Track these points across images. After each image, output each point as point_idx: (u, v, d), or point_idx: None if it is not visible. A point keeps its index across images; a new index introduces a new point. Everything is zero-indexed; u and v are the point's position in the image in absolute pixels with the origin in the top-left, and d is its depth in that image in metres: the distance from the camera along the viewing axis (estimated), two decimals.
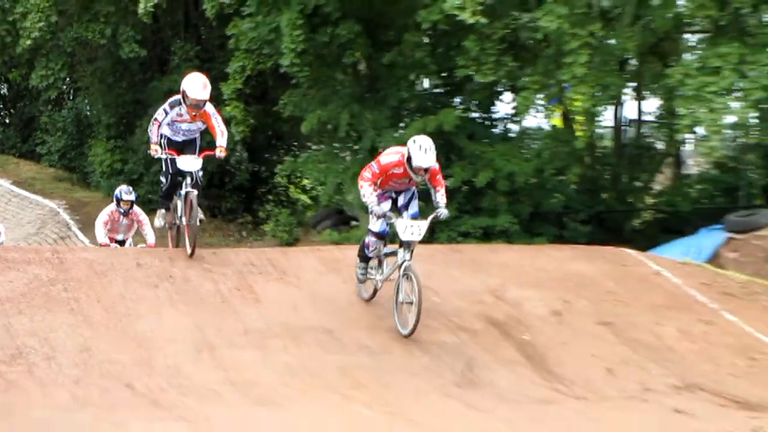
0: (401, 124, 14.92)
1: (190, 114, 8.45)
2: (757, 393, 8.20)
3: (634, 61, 14.76)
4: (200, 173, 8.75)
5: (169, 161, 8.58)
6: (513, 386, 8.00)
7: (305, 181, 16.80)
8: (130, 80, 19.33)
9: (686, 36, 15.26)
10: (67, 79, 20.44)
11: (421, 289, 7.26)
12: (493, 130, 16.15)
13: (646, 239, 14.20)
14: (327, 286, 8.77)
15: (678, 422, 7.34)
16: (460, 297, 9.10)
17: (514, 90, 15.01)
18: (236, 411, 6.60)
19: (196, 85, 8.28)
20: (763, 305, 10.24)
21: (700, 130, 14.00)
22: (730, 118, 13.03)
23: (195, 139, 8.81)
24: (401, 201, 7.77)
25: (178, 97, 8.41)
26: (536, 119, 16.10)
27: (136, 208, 11.43)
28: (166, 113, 8.46)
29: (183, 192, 8.54)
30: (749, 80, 12.00)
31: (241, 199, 19.48)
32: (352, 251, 9.25)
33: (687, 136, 15.45)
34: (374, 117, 14.57)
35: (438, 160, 7.38)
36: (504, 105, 16.26)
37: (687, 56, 14.28)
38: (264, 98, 16.11)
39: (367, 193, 7.47)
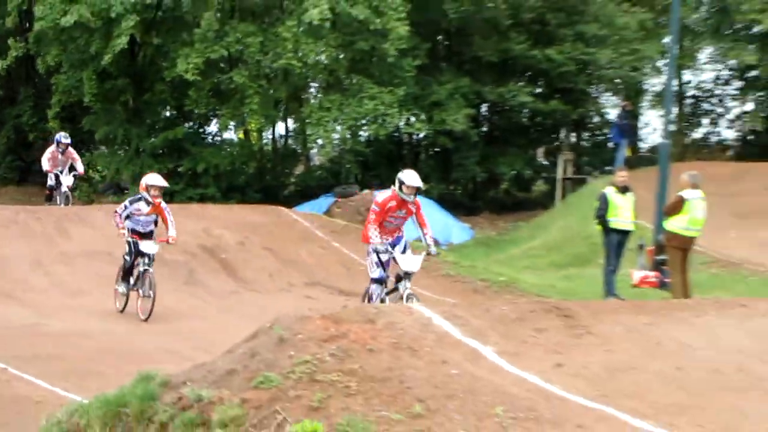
0: (153, 136, 21.74)
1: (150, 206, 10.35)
2: (351, 286, 12.46)
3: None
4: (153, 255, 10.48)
5: (132, 243, 10.19)
6: (217, 284, 12.45)
7: (99, 166, 22.90)
8: None
9: (312, 88, 23.67)
10: None
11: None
12: (207, 139, 23.49)
13: (292, 202, 20.10)
14: (111, 228, 11.41)
15: (307, 302, 11.28)
16: (187, 234, 12.73)
17: (217, 116, 22.57)
18: (54, 301, 10.93)
19: (157, 178, 10.50)
20: (354, 237, 14.20)
21: (320, 142, 22.07)
22: (336, 135, 21.31)
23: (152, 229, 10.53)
24: (398, 250, 8.68)
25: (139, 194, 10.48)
26: (231, 133, 23.73)
27: (70, 149, 14.90)
28: (126, 207, 10.30)
29: (142, 269, 10.06)
30: (345, 114, 19.93)
31: None
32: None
33: (313, 144, 23.66)
34: (137, 131, 21.43)
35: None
36: (213, 125, 23.92)
37: (313, 100, 22.55)
38: (73, 120, 22.12)
39: (374, 236, 8.32)
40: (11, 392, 7.52)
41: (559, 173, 22.44)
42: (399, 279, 8.36)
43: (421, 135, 22.34)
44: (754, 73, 22.71)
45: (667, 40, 18.87)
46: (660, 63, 22.01)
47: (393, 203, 8.31)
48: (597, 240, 13.69)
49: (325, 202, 19.87)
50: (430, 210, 20.83)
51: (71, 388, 7.29)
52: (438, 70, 21.79)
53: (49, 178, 15.02)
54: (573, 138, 23.99)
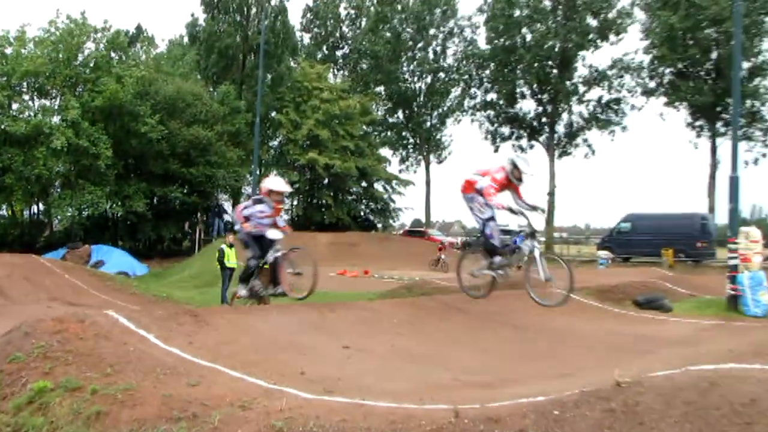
0: None
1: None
2: (77, 300, 17.18)
3: None
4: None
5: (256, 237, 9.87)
6: None
7: None
8: None
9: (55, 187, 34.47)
10: None
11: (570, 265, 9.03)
12: None
13: (42, 252, 26.41)
14: None
15: (48, 310, 13.06)
16: None
17: None
18: None
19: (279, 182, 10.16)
20: (77, 274, 20.60)
21: (59, 217, 34.19)
22: (69, 213, 33.71)
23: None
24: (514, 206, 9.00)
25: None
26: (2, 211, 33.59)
27: None
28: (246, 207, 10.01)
29: (278, 255, 9.83)
30: (74, 202, 32.98)
31: None
32: None
33: (55, 218, 35.12)
34: None
35: None
36: None
37: (55, 193, 34.14)
38: None
39: (497, 198, 8.81)
40: None
41: (197, 236, 36.97)
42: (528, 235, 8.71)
43: (119, 214, 35.45)
44: (296, 186, 41.36)
45: (252, 167, 33.63)
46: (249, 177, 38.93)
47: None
48: (217, 273, 19.57)
49: (61, 252, 29.23)
50: (121, 256, 31.97)
51: None
52: (129, 177, 35.21)
53: None
54: (204, 217, 39.40)
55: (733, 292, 13.16)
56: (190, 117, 35.83)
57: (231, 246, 18.70)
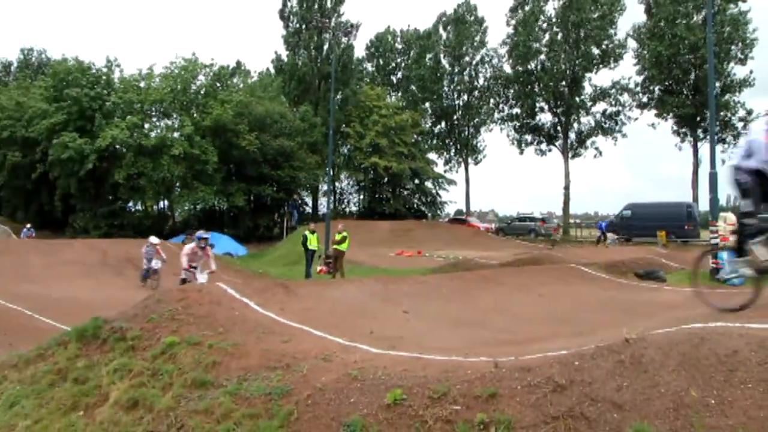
0: None
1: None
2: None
3: None
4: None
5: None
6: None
7: None
8: None
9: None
10: None
11: None
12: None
13: (171, 237, 29.04)
14: None
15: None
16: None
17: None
18: None
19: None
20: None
21: (179, 210, 34.98)
22: (185, 209, 34.74)
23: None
24: None
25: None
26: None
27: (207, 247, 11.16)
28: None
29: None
30: (197, 198, 33.84)
31: None
32: None
33: (177, 212, 36.32)
34: None
35: None
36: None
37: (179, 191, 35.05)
38: None
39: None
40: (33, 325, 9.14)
41: (285, 224, 37.46)
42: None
43: (224, 207, 36.22)
44: (362, 184, 41.55)
45: (327, 170, 34.14)
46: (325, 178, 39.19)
47: None
48: (302, 254, 19.12)
49: (182, 237, 28.98)
50: (227, 240, 32.01)
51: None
52: (231, 179, 35.82)
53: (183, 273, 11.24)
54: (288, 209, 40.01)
55: (714, 266, 12.69)
56: (277, 131, 36.24)
57: (313, 232, 18.50)
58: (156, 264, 16.05)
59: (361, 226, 31.47)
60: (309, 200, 43.37)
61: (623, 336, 3.95)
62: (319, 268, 18.10)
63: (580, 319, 7.58)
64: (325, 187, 37.03)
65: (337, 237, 18.03)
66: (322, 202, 42.57)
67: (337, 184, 43.72)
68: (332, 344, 5.08)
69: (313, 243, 18.54)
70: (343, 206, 45.18)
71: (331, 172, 30.47)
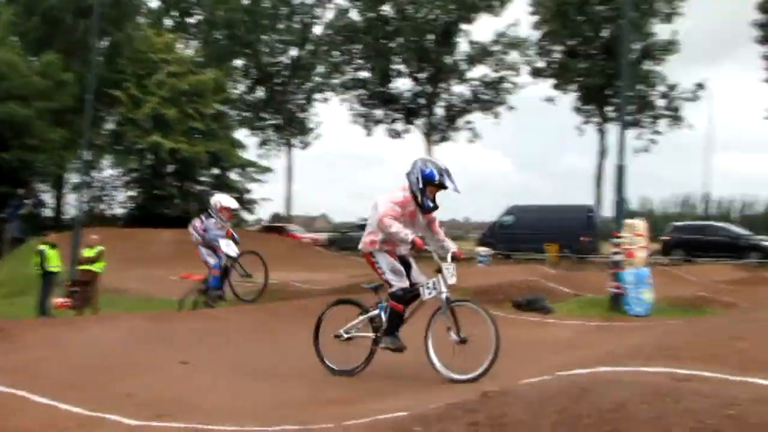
0: None
1: None
2: None
3: None
4: None
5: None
6: None
7: None
8: None
9: None
10: None
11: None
12: None
13: None
14: None
15: None
16: None
17: None
18: None
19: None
20: None
21: None
22: None
23: None
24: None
25: None
26: None
27: None
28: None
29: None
30: None
31: None
32: None
33: None
34: None
35: None
36: None
37: None
38: None
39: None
40: None
41: (6, 237, 33.92)
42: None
43: None
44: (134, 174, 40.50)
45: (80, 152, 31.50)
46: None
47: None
48: (34, 278, 18.27)
49: None
50: None
51: None
52: None
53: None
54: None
55: (615, 291, 13.93)
56: (3, 92, 34.10)
57: (53, 246, 17.81)
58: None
59: (131, 237, 30.73)
60: (49, 197, 40.91)
61: (481, 390, 4.16)
62: (59, 301, 17.35)
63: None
64: (77, 178, 35.47)
65: (88, 253, 17.65)
66: (71, 200, 40.79)
67: (95, 173, 41.82)
68: (65, 416, 4.88)
69: (53, 262, 17.67)
70: (105, 207, 43.26)
71: (88, 156, 29.01)
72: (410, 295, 7.10)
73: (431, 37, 42.33)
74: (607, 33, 38.22)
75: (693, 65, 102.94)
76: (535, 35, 41.03)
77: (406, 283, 7.10)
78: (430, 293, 7.00)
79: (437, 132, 43.82)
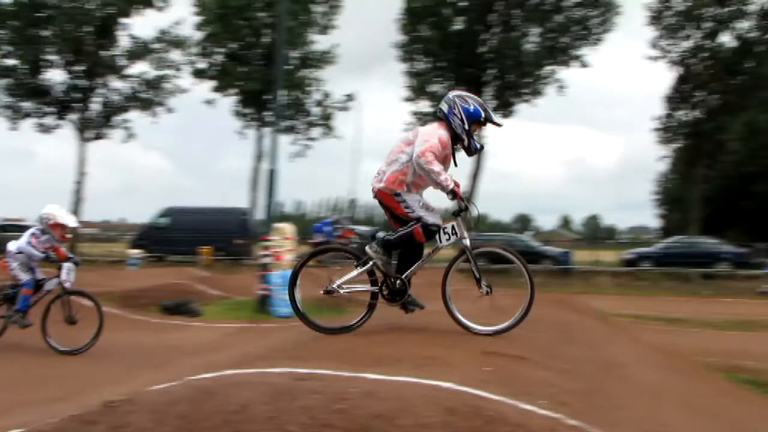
0: None
1: None
2: None
3: None
4: None
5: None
6: None
7: None
8: None
9: None
10: None
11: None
12: None
13: None
14: None
15: None
16: None
17: None
18: None
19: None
20: None
21: None
22: None
23: None
24: None
25: None
26: None
27: None
28: None
29: None
30: None
31: None
32: None
33: None
34: None
35: None
36: None
37: None
38: None
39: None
40: None
41: None
42: None
43: None
44: None
45: None
46: None
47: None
48: None
49: None
50: None
51: None
52: None
53: None
54: None
55: (263, 292, 14.45)
56: None
57: None
58: None
59: None
60: None
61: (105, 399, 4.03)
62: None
63: (66, 376, 7.58)
64: None
65: None
66: None
67: None
68: None
69: None
70: None
71: None
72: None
73: (88, 29, 40.25)
74: (268, 39, 39.00)
75: (348, 75, 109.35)
76: (199, 35, 41.00)
77: (441, 222, 6.20)
78: (448, 239, 6.16)
79: (92, 129, 41.75)
